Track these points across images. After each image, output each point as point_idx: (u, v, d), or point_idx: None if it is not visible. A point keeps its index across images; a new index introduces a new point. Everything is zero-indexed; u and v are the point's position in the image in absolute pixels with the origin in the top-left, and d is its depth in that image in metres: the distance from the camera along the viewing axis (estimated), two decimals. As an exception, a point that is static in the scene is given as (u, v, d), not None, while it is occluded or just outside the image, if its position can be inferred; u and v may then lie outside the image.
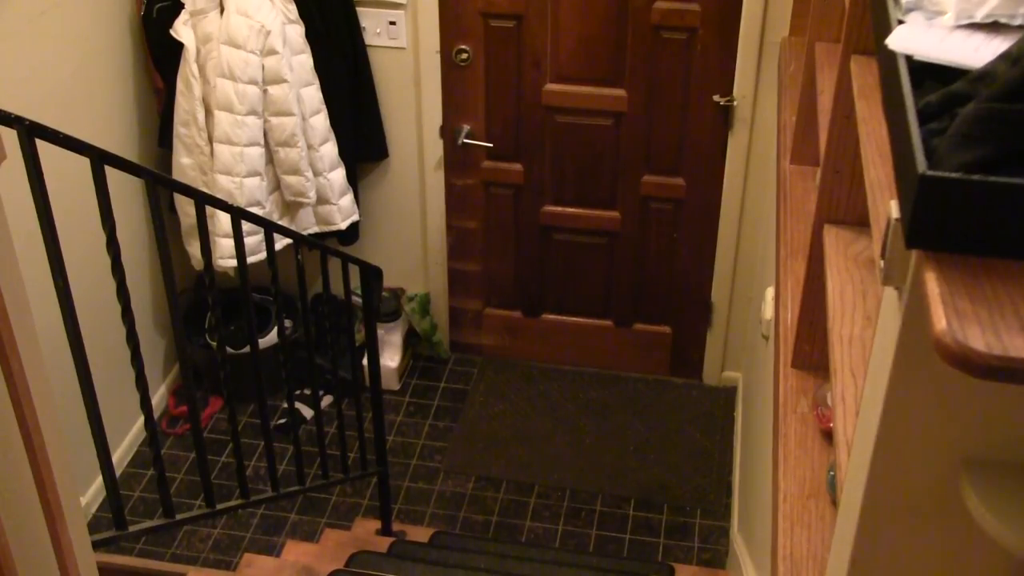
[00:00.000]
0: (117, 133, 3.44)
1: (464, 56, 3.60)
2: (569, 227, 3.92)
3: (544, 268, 4.03)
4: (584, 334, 4.15)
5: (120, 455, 3.64)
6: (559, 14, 3.47)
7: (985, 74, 0.90)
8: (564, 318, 4.14)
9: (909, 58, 0.99)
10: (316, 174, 3.50)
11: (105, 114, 3.38)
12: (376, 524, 3.49)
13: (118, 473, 3.46)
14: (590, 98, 3.62)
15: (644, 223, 3.86)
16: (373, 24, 3.51)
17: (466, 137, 3.74)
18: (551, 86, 3.63)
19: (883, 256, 0.94)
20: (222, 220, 3.24)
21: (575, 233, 3.94)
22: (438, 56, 3.57)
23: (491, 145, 3.76)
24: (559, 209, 3.89)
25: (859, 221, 1.71)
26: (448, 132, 3.75)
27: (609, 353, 4.16)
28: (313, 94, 3.42)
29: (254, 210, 3.23)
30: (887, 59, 1.04)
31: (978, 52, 0.96)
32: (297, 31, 3.33)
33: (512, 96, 3.67)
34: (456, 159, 3.81)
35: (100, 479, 2.77)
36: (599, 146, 3.73)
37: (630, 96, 3.59)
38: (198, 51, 3.28)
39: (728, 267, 3.86)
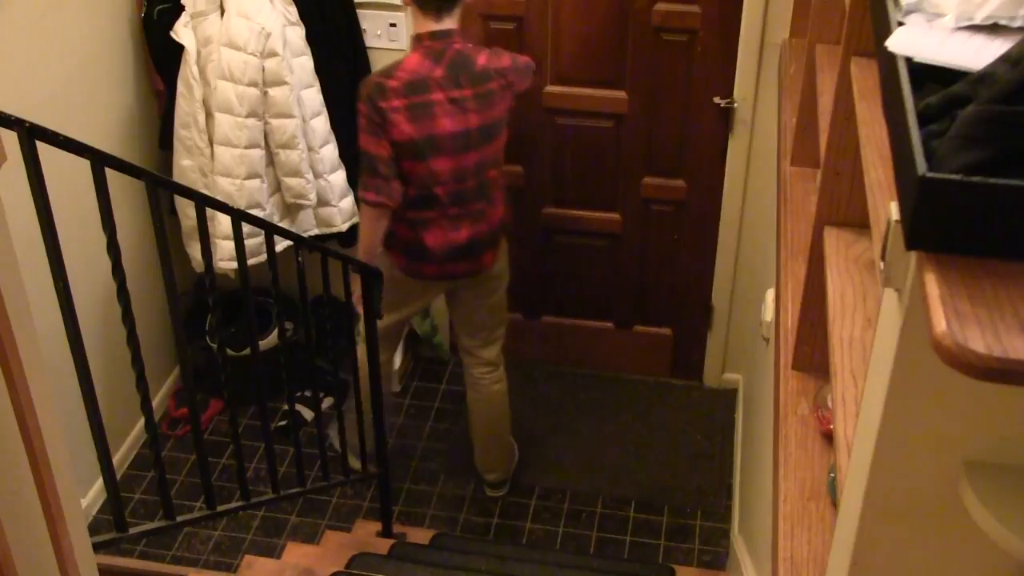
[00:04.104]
0: (117, 135, 3.44)
1: (464, 58, 3.60)
2: (570, 229, 3.92)
3: (545, 270, 4.03)
4: (585, 336, 4.15)
5: (120, 457, 3.63)
6: (559, 16, 3.47)
7: (985, 76, 0.90)
8: (565, 320, 4.14)
9: (909, 60, 0.99)
10: (316, 176, 3.50)
11: (106, 116, 3.38)
12: (377, 526, 3.49)
13: (119, 475, 3.46)
14: (591, 100, 3.62)
15: (645, 225, 3.85)
16: (374, 26, 3.52)
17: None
18: (551, 88, 3.63)
19: (883, 258, 0.94)
20: (222, 222, 3.24)
21: (576, 235, 3.94)
22: (438, 58, 3.57)
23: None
24: (560, 211, 3.89)
25: (859, 223, 1.71)
26: (448, 134, 3.74)
27: (610, 355, 4.16)
28: (314, 96, 3.42)
29: (254, 212, 3.23)
30: (887, 61, 1.04)
31: (978, 54, 0.96)
32: (298, 33, 3.33)
33: (512, 98, 3.67)
34: (456, 161, 3.81)
35: (101, 481, 2.77)
36: (600, 148, 3.73)
37: (631, 98, 3.59)
38: (198, 53, 3.28)
39: (729, 269, 3.86)
